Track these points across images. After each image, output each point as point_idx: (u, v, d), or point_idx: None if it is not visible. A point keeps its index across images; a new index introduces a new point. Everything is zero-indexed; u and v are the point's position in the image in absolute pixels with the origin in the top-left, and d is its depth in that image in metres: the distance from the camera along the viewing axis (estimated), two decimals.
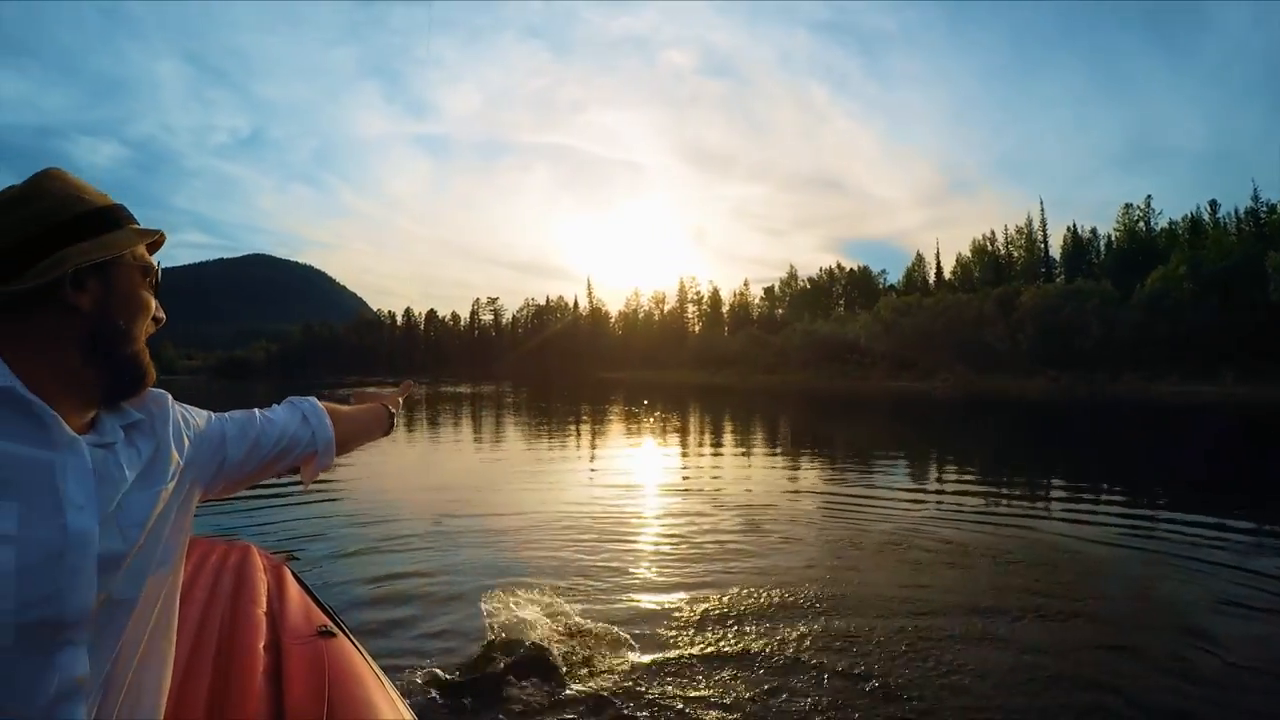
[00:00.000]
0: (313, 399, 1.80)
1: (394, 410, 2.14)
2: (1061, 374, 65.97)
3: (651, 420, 28.46)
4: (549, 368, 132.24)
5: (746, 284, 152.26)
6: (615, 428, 25.50)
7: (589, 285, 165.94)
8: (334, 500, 10.65)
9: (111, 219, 1.30)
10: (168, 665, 1.43)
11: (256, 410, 1.67)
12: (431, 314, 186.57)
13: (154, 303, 1.38)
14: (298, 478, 1.76)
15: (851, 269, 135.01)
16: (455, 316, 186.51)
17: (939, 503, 10.65)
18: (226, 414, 1.61)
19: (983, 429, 26.00)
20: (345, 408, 1.93)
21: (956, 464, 16.09)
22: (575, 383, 78.51)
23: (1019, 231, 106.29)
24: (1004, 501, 11.04)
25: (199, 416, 1.54)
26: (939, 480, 13.26)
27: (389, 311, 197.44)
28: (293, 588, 2.80)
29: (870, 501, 10.58)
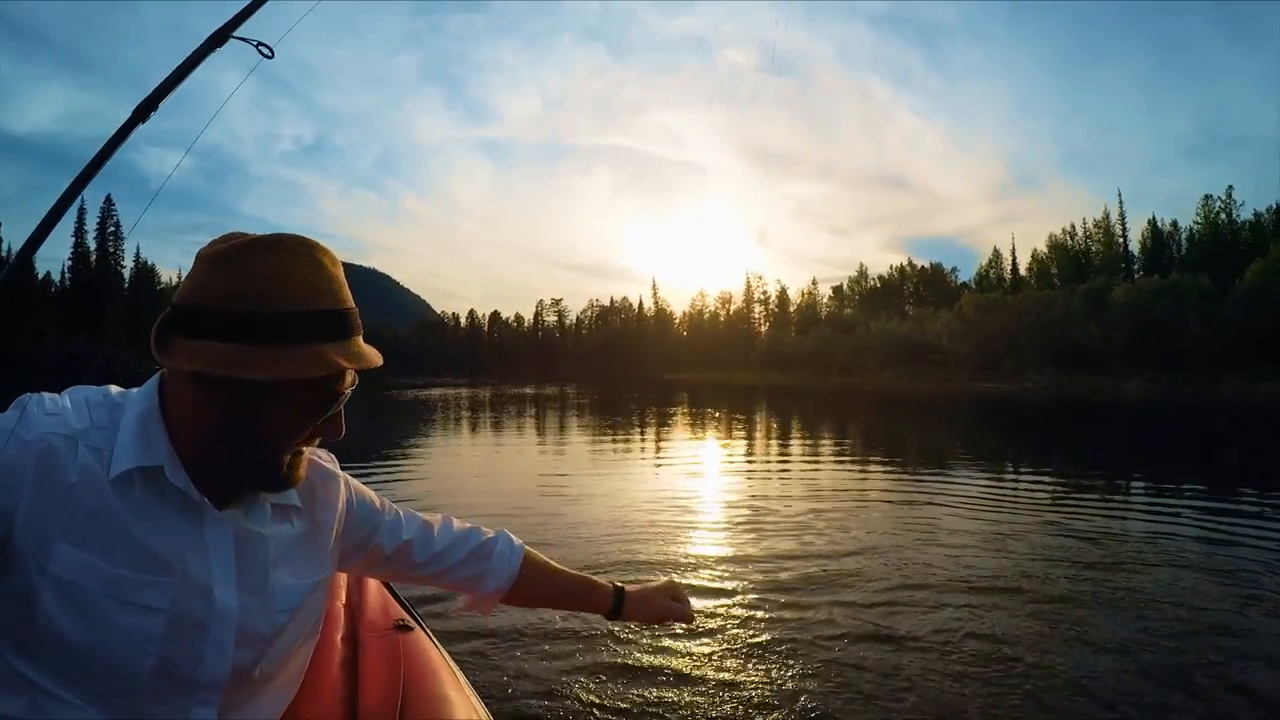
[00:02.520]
0: (520, 546, 1.76)
1: (627, 599, 1.85)
2: (1158, 374, 62.36)
3: (727, 424, 27.25)
4: (613, 369, 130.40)
5: (815, 283, 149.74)
6: (690, 431, 24.44)
7: (653, 285, 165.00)
8: (410, 493, 10.72)
9: (310, 328, 1.18)
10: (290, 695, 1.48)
11: (440, 520, 1.68)
12: (495, 316, 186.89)
13: (334, 420, 1.28)
14: None
15: (923, 266, 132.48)
16: (519, 318, 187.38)
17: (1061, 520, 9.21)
18: (402, 511, 1.62)
19: (1090, 435, 23.51)
20: (552, 565, 1.82)
21: (1075, 474, 14.08)
22: (640, 384, 77.77)
23: (1097, 225, 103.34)
24: (1113, 511, 9.98)
25: (371, 499, 1.58)
26: (1064, 495, 11.22)
27: (453, 314, 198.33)
28: (371, 583, 2.60)
29: (990, 515, 9.49)
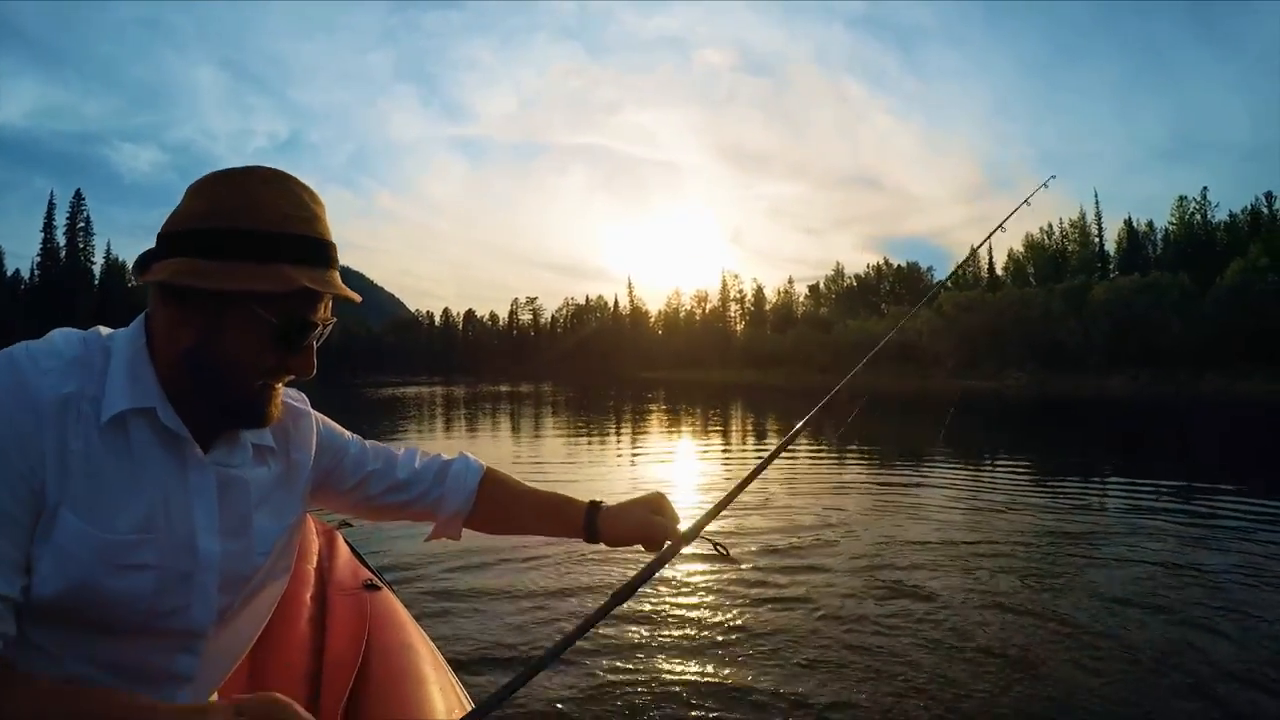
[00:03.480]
0: (480, 465, 1.70)
1: (600, 516, 1.65)
2: (1140, 372, 62.18)
3: (703, 419, 27.73)
4: (589, 367, 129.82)
5: (791, 281, 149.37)
6: (666, 426, 24.69)
7: (629, 284, 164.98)
8: None
9: (275, 247, 1.19)
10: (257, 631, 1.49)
11: (398, 450, 1.64)
12: (470, 314, 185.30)
13: (305, 353, 1.27)
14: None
15: (899, 265, 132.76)
16: (494, 316, 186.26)
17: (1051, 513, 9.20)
18: (366, 442, 1.61)
19: (1074, 430, 23.53)
20: (519, 484, 1.72)
21: (1059, 469, 14.15)
22: (617, 382, 78.21)
23: (1073, 225, 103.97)
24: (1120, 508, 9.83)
25: (338, 431, 1.58)
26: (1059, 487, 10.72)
27: (427, 312, 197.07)
28: (343, 550, 2.75)
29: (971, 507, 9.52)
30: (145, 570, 1.16)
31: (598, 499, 1.65)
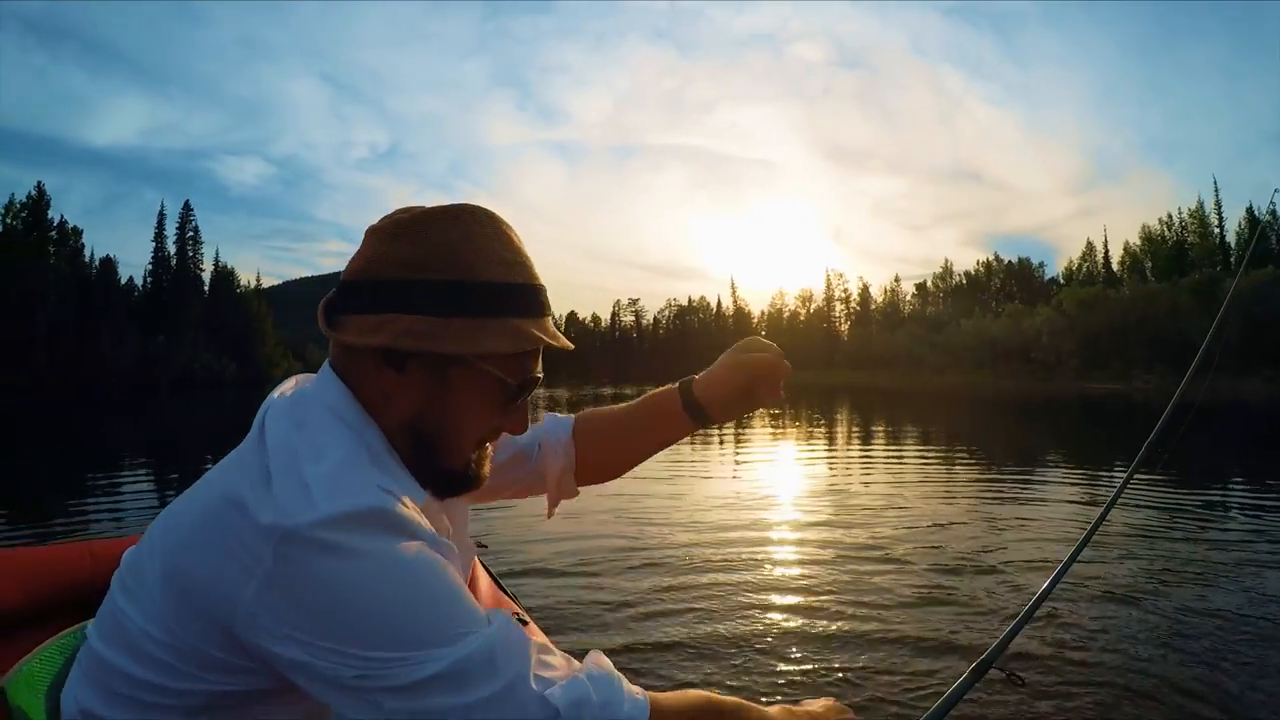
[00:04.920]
0: (567, 417, 1.61)
1: (696, 389, 1.50)
2: (1278, 373, 58.52)
3: (819, 426, 26.16)
4: (691, 369, 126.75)
5: (898, 280, 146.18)
6: (777, 432, 23.00)
7: (732, 284, 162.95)
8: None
9: (504, 300, 1.09)
10: None
11: None
12: (572, 316, 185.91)
13: (520, 409, 1.20)
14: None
15: (1010, 262, 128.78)
16: (595, 319, 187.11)
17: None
18: None
19: (1214, 436, 20.24)
20: (614, 409, 1.60)
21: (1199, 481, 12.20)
22: None
23: (1192, 216, 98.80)
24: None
25: None
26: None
27: None
28: (483, 576, 2.73)
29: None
30: None
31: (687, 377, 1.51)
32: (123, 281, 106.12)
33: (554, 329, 1.14)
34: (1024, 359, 76.56)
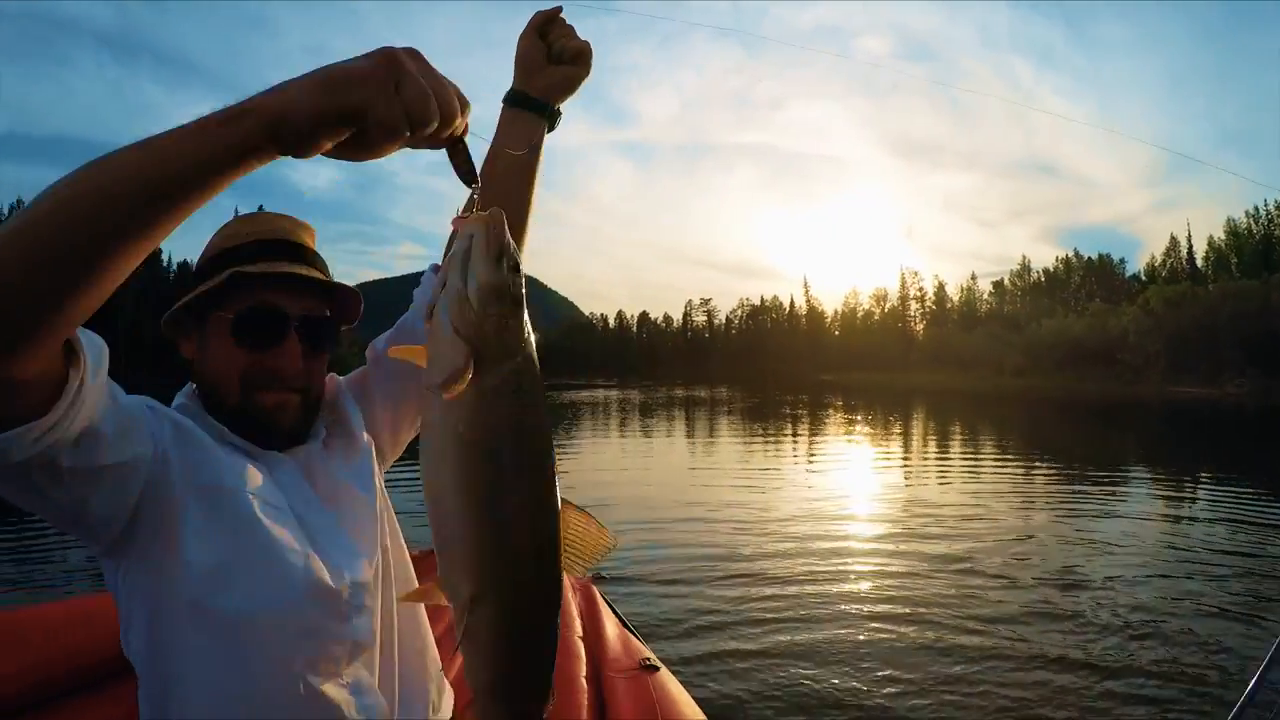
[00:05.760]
0: None
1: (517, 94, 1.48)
2: None
3: (900, 432, 25.81)
4: (764, 370, 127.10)
5: (974, 278, 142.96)
6: (860, 438, 22.86)
7: (805, 283, 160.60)
8: (606, 505, 10.49)
9: (229, 257, 1.35)
10: (422, 624, 1.54)
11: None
12: (644, 316, 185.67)
13: (281, 349, 1.35)
14: None
15: (1089, 258, 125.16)
16: (668, 318, 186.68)
17: None
18: None
19: None
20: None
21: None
22: (794, 385, 74.04)
23: (1279, 208, 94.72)
24: None
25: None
26: None
27: (600, 315, 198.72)
28: (605, 612, 2.64)
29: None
30: (284, 512, 1.31)
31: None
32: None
33: (276, 265, 1.32)
34: (1107, 361, 73.84)
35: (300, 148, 0.85)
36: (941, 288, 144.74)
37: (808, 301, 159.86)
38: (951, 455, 18.20)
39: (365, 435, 1.50)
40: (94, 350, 0.98)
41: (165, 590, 1.19)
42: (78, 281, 0.83)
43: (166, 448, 1.19)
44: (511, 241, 0.88)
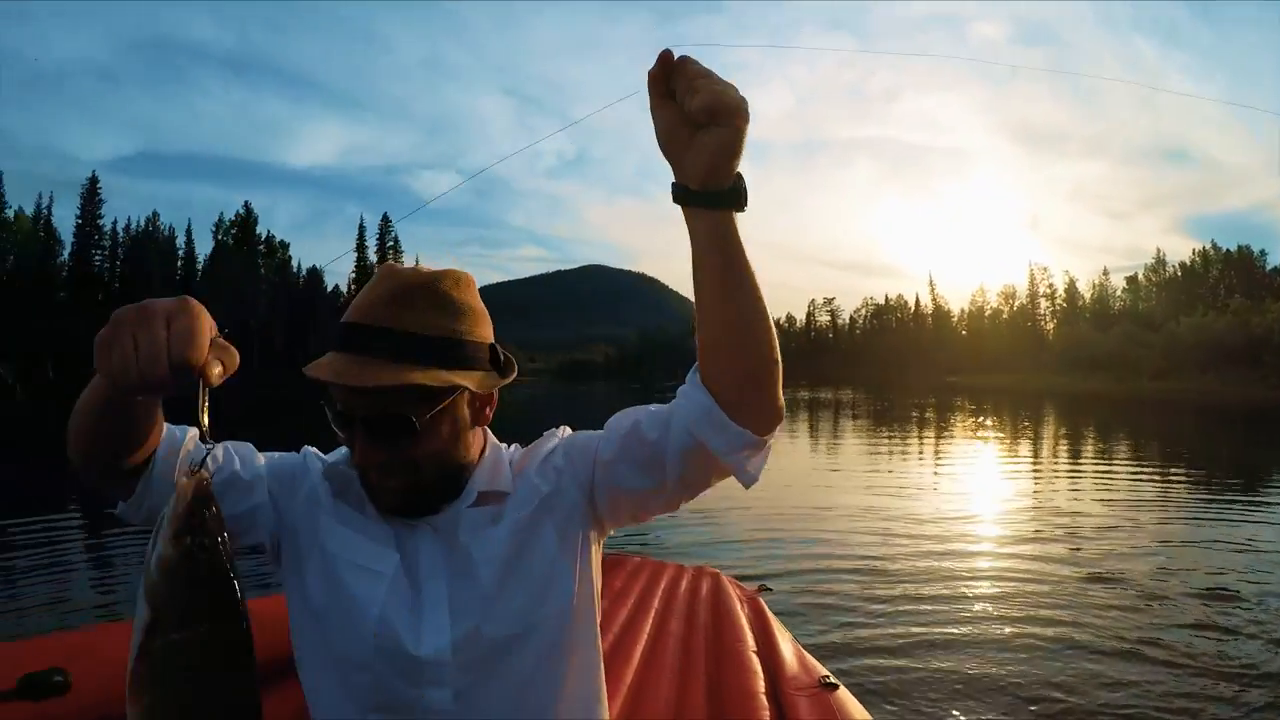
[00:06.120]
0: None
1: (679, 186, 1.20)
2: None
3: (1045, 442, 24.14)
4: (889, 371, 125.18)
5: (1106, 273, 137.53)
6: (996, 447, 21.66)
7: (930, 281, 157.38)
8: (732, 509, 10.25)
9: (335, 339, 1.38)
10: (593, 691, 1.51)
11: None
12: None
13: (355, 442, 1.37)
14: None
15: (1227, 250, 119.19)
16: (790, 319, 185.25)
17: None
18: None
19: None
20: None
21: None
22: (920, 388, 72.20)
23: None
24: None
25: (588, 435, 1.51)
26: None
27: None
28: (776, 625, 2.61)
29: None
30: (380, 577, 1.35)
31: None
32: (329, 289, 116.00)
33: (330, 363, 1.30)
34: (1251, 363, 70.42)
35: (133, 395, 0.99)
36: (1072, 284, 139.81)
37: (933, 300, 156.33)
38: (1083, 463, 17.75)
39: (535, 509, 1.44)
40: (167, 445, 1.25)
41: (298, 610, 1.42)
42: (98, 443, 1.16)
43: (289, 507, 1.42)
44: (207, 512, 0.90)
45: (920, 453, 19.60)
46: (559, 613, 1.42)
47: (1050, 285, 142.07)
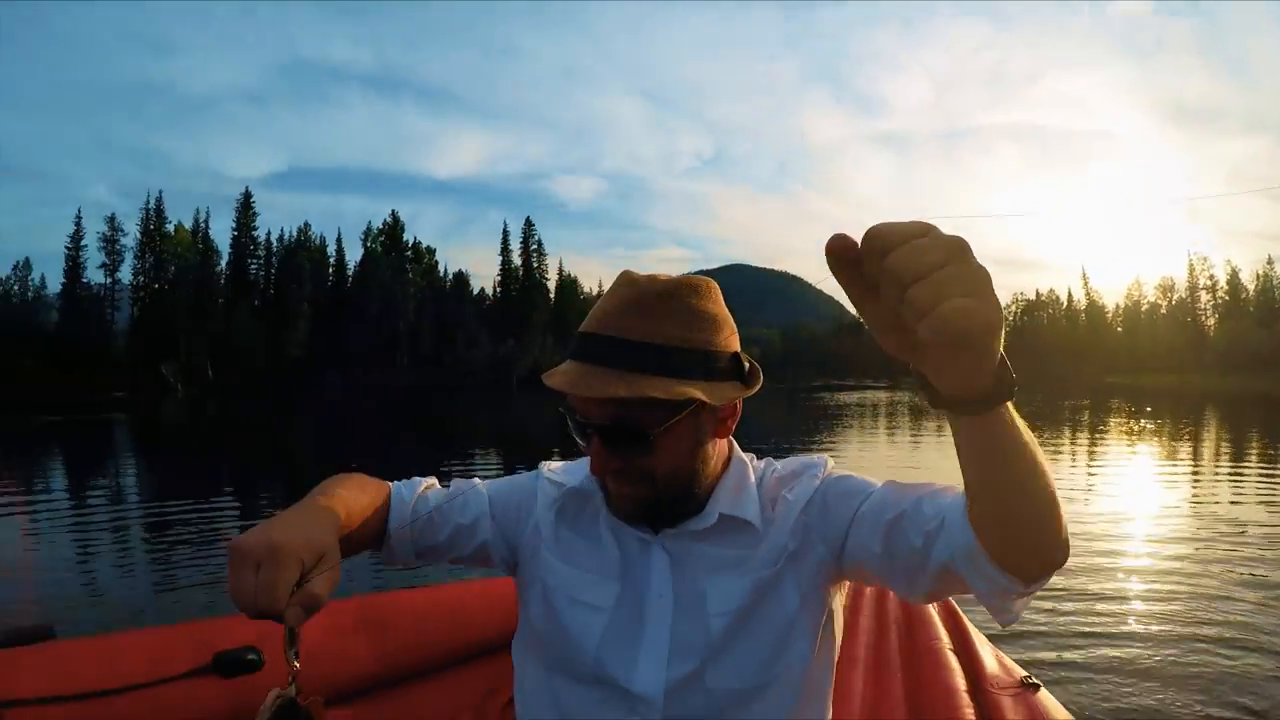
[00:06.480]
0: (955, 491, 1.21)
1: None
2: None
3: (1200, 446, 22.16)
4: (1043, 371, 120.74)
5: (1270, 261, 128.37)
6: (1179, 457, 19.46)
7: (1083, 275, 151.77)
8: None
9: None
10: None
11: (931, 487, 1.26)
12: None
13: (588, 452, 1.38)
14: None
15: None
16: None
17: None
18: (901, 483, 1.33)
19: None
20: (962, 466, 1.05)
21: None
22: (1077, 388, 68.64)
23: None
24: None
25: (856, 488, 1.39)
26: None
27: None
28: (968, 623, 2.47)
29: None
30: (598, 613, 1.38)
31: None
32: (474, 292, 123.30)
33: (563, 371, 1.30)
34: None
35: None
36: (1235, 275, 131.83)
37: (1087, 294, 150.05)
38: (1246, 475, 15.90)
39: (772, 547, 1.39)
40: (396, 516, 1.44)
41: (525, 623, 1.51)
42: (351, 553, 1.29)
43: (514, 539, 1.51)
44: None
45: (1074, 454, 18.96)
46: (788, 674, 1.36)
47: (1211, 276, 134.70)
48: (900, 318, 0.77)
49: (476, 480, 1.57)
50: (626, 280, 1.32)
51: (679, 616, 1.34)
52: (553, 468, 1.56)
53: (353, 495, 1.32)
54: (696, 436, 1.33)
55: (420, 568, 1.62)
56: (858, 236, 0.78)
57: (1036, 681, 2.10)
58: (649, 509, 1.37)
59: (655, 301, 1.28)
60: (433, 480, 1.56)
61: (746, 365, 1.34)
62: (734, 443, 1.47)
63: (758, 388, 1.35)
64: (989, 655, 2.25)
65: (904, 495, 1.26)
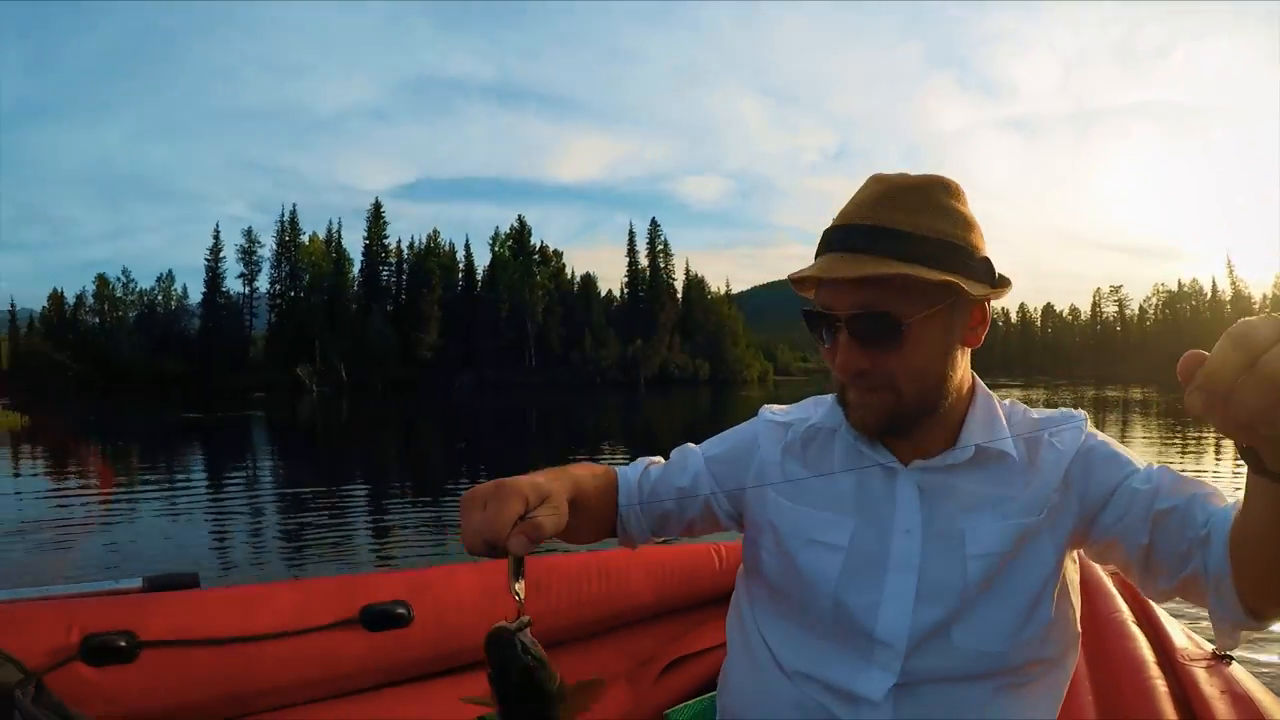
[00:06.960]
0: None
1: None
2: None
3: None
4: None
5: None
6: None
7: (1228, 264, 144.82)
8: None
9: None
10: None
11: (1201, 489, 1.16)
12: (1048, 309, 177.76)
13: (831, 348, 1.26)
14: None
15: None
16: (1074, 311, 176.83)
17: None
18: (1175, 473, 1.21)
19: None
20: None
21: None
22: None
23: None
24: None
25: (1120, 459, 1.26)
26: None
27: (1001, 308, 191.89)
28: (1154, 607, 2.24)
29: None
30: (835, 551, 1.28)
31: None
32: (602, 294, 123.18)
33: (821, 260, 1.24)
34: None
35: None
36: None
37: (1231, 284, 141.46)
38: None
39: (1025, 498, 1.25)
40: (625, 495, 1.43)
41: (754, 577, 1.44)
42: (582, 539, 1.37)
43: (738, 487, 1.42)
44: (520, 650, 0.93)
45: (1218, 451, 17.97)
46: (1030, 648, 1.23)
47: None
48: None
49: (690, 445, 1.52)
50: (876, 178, 1.26)
51: (930, 555, 1.23)
52: (775, 409, 1.49)
53: (581, 471, 1.33)
54: (948, 337, 1.23)
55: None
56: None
57: (1229, 655, 1.93)
58: (893, 422, 1.24)
59: (910, 194, 1.22)
60: (656, 458, 1.53)
61: (996, 274, 1.27)
62: (977, 376, 1.35)
63: (1009, 291, 1.28)
64: (1174, 628, 2.10)
65: (1180, 489, 1.16)
